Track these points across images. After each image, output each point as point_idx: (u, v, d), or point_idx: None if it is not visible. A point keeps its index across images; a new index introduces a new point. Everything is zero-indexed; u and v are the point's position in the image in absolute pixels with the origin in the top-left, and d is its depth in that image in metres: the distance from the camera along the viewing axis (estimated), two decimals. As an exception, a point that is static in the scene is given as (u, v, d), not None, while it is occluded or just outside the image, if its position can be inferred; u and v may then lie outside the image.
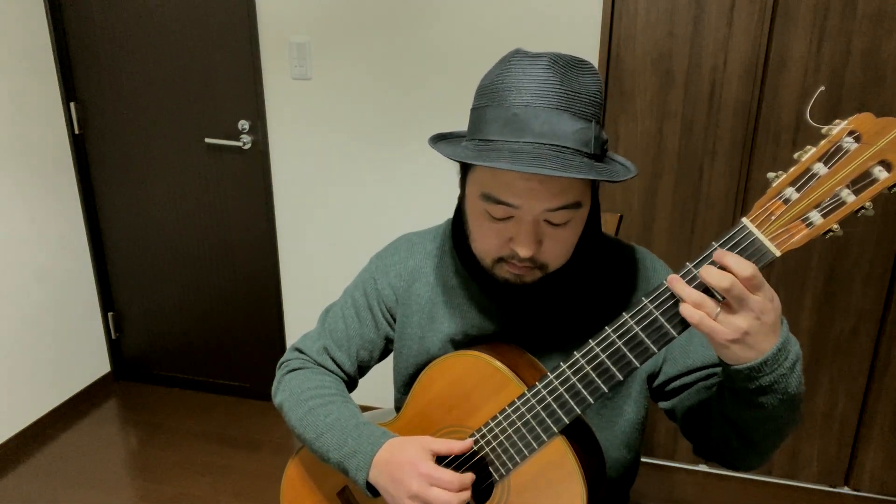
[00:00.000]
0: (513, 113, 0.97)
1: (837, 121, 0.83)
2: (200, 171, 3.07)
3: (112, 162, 3.17)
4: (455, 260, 1.24)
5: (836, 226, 0.83)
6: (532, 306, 1.18)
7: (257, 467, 2.89)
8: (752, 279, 0.85)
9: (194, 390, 3.48)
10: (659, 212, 2.55)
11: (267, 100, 2.88)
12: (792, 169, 0.85)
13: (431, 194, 2.81)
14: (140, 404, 3.36)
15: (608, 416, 1.20)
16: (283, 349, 3.28)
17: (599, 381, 0.99)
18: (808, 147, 0.84)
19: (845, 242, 2.43)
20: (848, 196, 0.82)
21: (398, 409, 1.37)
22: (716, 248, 0.89)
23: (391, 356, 1.39)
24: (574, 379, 1.00)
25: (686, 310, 0.89)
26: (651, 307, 0.94)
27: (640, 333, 0.95)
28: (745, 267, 0.85)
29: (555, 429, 1.03)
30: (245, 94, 2.90)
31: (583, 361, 1.00)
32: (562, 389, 1.02)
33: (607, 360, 0.98)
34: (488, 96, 1.01)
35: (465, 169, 1.09)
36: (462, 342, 1.23)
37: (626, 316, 0.96)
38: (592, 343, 0.99)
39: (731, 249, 0.88)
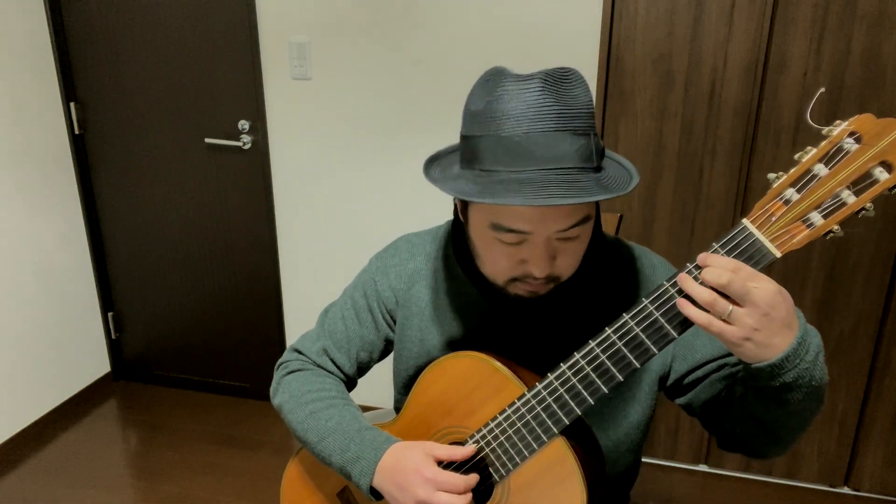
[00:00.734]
0: (514, 142, 0.96)
1: (838, 122, 0.82)
2: (200, 171, 3.07)
3: (112, 162, 3.17)
4: (455, 263, 1.24)
5: (836, 227, 0.83)
6: (532, 309, 1.18)
7: (257, 467, 2.89)
8: (740, 270, 0.85)
9: (194, 390, 3.48)
10: (659, 212, 2.55)
11: (267, 100, 2.88)
12: (792, 170, 0.85)
13: (431, 194, 2.81)
14: (140, 404, 3.36)
15: (610, 416, 1.20)
16: (283, 349, 3.28)
17: (599, 382, 0.99)
18: (809, 148, 0.84)
19: (845, 243, 2.43)
20: (849, 197, 0.82)
21: (398, 409, 1.37)
22: (715, 249, 0.89)
23: (391, 356, 1.39)
24: (574, 380, 1.00)
25: (691, 312, 0.88)
26: (651, 308, 0.93)
27: (641, 334, 0.94)
28: (728, 261, 0.86)
29: (555, 429, 1.03)
30: (245, 94, 2.90)
31: (583, 362, 0.99)
32: (562, 390, 1.02)
33: (607, 361, 0.98)
34: (482, 125, 0.99)
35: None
36: (462, 344, 1.23)
37: (626, 316, 0.95)
38: (592, 344, 0.99)
39: (731, 250, 0.88)
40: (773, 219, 0.86)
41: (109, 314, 3.44)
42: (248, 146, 2.96)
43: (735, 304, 0.86)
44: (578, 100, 0.97)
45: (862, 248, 2.42)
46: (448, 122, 2.69)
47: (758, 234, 0.87)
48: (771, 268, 2.51)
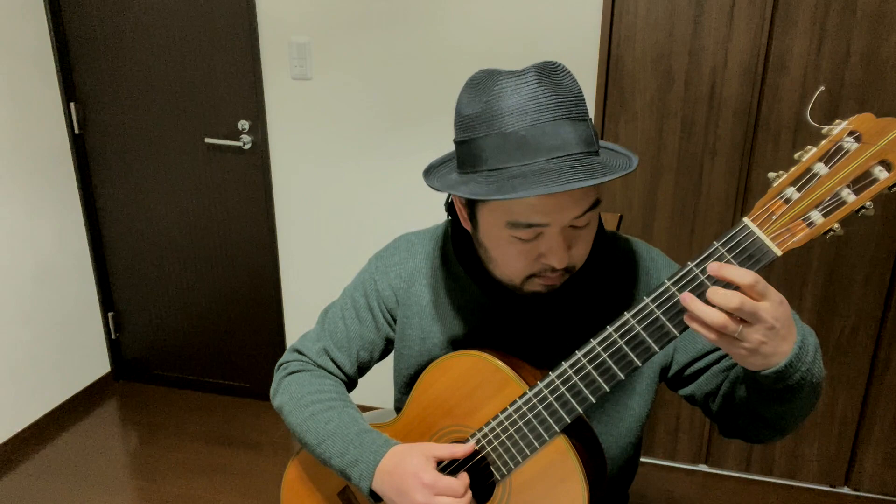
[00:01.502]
0: (520, 136, 0.97)
1: (838, 121, 0.83)
2: (200, 171, 3.07)
3: (112, 162, 3.17)
4: (455, 261, 1.24)
5: (836, 225, 0.84)
6: (533, 306, 1.18)
7: (257, 467, 2.89)
8: (755, 286, 0.84)
9: (194, 390, 3.48)
10: (659, 212, 2.55)
11: (267, 100, 2.88)
12: (793, 169, 0.85)
13: (431, 194, 2.81)
14: (140, 404, 3.36)
15: (611, 411, 1.21)
16: (283, 349, 3.28)
17: (601, 381, 0.99)
18: (809, 147, 0.84)
19: (845, 243, 2.43)
20: (848, 196, 0.82)
21: (398, 409, 1.37)
22: (716, 247, 0.89)
23: (391, 356, 1.39)
24: (576, 378, 1.01)
25: (701, 330, 0.88)
26: (652, 306, 0.93)
27: (642, 333, 0.95)
28: (745, 275, 0.84)
29: (556, 428, 1.04)
30: (245, 94, 2.90)
31: (584, 361, 1.00)
32: (563, 389, 1.02)
33: (609, 360, 0.98)
34: (481, 126, 0.99)
35: (474, 201, 1.07)
36: (463, 342, 1.23)
37: (627, 315, 0.96)
38: (594, 342, 0.99)
39: (732, 249, 0.88)
40: (774, 217, 0.86)
41: (109, 314, 3.44)
42: (248, 146, 2.96)
43: (743, 322, 0.86)
44: (571, 88, 0.99)
45: (862, 248, 2.42)
46: (448, 123, 2.69)
47: (758, 232, 0.87)
48: (771, 267, 2.51)
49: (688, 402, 1.24)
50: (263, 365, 3.34)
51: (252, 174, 3.01)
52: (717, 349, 1.16)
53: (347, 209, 2.95)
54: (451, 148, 1.17)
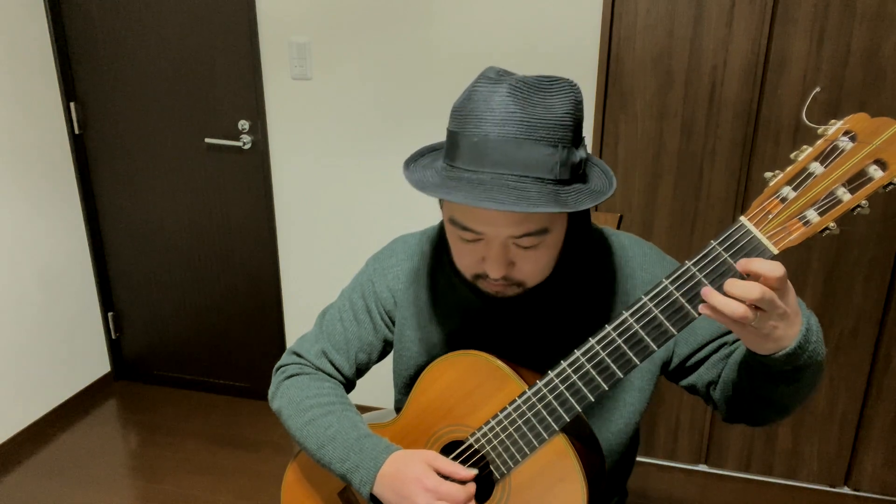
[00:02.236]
0: (473, 142, 0.97)
1: (833, 121, 0.83)
2: (200, 171, 3.07)
3: (112, 162, 3.17)
4: (451, 262, 1.24)
5: (832, 224, 0.84)
6: (527, 307, 1.18)
7: (257, 467, 2.90)
8: (785, 277, 0.85)
9: (194, 390, 3.48)
10: (659, 212, 2.55)
11: (267, 100, 2.88)
12: (789, 168, 0.86)
13: (431, 194, 2.81)
14: (140, 404, 3.37)
15: (609, 406, 1.21)
16: (282, 349, 3.28)
17: (600, 379, 0.99)
18: (805, 147, 0.85)
19: (845, 242, 2.43)
20: (844, 195, 0.83)
21: (398, 410, 1.37)
22: (713, 246, 0.89)
23: (390, 356, 1.39)
24: (575, 377, 1.01)
25: (727, 322, 0.88)
26: (651, 305, 0.94)
27: (641, 332, 0.95)
28: (776, 268, 0.84)
29: (555, 427, 1.04)
30: (245, 94, 2.90)
31: (583, 360, 1.00)
32: (562, 388, 1.02)
33: (607, 359, 0.98)
34: (457, 120, 1.00)
35: None
36: (461, 343, 1.23)
37: (626, 314, 0.96)
38: (592, 341, 0.99)
39: (729, 248, 0.88)
40: (770, 216, 0.86)
41: (109, 314, 3.44)
42: (248, 146, 2.96)
43: (759, 310, 0.87)
44: (552, 110, 0.96)
45: (862, 247, 2.42)
46: (447, 122, 2.69)
47: (755, 231, 0.87)
48: (771, 268, 2.50)
49: (688, 392, 1.24)
50: (263, 365, 3.34)
51: (252, 174, 3.02)
52: (717, 339, 1.17)
53: (347, 209, 2.95)
54: None
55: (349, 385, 1.38)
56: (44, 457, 2.95)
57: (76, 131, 3.14)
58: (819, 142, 0.84)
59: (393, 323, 1.33)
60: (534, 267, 1.07)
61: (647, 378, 1.21)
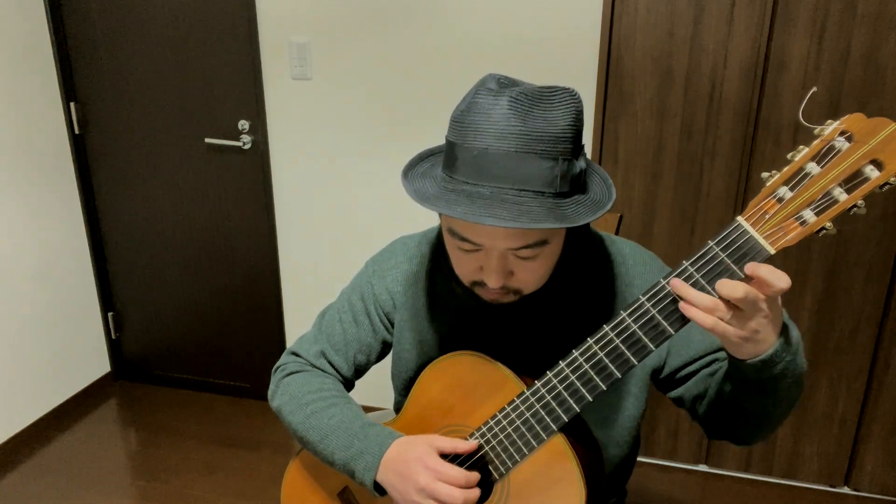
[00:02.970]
0: (473, 155, 0.96)
1: (829, 121, 0.84)
2: (200, 171, 3.07)
3: (112, 162, 3.17)
4: (449, 265, 1.24)
5: (829, 224, 0.84)
6: (525, 311, 1.18)
7: (257, 467, 2.90)
8: (786, 290, 0.86)
9: (194, 390, 3.48)
10: (659, 212, 2.55)
11: (267, 100, 2.88)
12: (785, 168, 0.86)
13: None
14: (140, 404, 3.37)
15: (607, 412, 1.21)
16: (282, 349, 3.28)
17: (598, 380, 1.00)
18: (801, 147, 0.85)
19: (845, 243, 2.43)
20: (840, 195, 0.83)
21: (398, 411, 1.37)
22: (710, 246, 0.90)
23: (388, 357, 1.40)
24: (573, 377, 1.01)
25: (697, 315, 0.89)
26: (648, 305, 0.94)
27: (638, 331, 0.95)
28: (782, 280, 0.85)
29: (554, 427, 1.04)
30: (245, 94, 2.90)
31: (581, 360, 1.00)
32: (560, 388, 1.02)
33: (605, 359, 0.98)
34: (457, 131, 0.99)
35: None
36: (460, 344, 1.23)
37: (623, 314, 0.96)
38: (590, 341, 0.99)
39: (726, 248, 0.89)
40: (767, 216, 0.87)
41: (109, 314, 3.44)
42: (248, 146, 2.96)
43: (738, 309, 0.88)
44: (553, 122, 0.95)
45: (862, 247, 2.42)
46: (447, 121, 2.69)
47: (752, 231, 0.87)
48: (770, 268, 2.50)
49: (675, 404, 1.24)
50: (263, 365, 3.35)
51: (252, 174, 3.02)
52: (709, 354, 1.17)
53: (347, 209, 2.95)
54: None
55: (348, 385, 1.38)
56: (44, 457, 2.95)
57: (76, 131, 3.14)
58: (815, 142, 0.84)
59: (392, 324, 1.33)
60: (532, 276, 1.08)
61: (640, 385, 1.22)
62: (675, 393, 1.22)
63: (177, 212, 3.17)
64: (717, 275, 0.89)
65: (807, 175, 0.84)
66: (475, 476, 1.09)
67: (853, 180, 0.82)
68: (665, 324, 0.94)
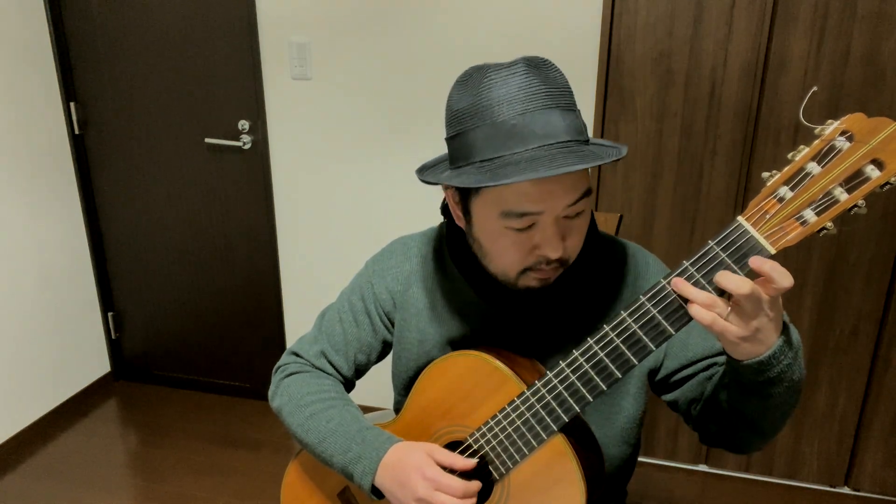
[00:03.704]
0: (511, 124, 0.97)
1: (830, 121, 0.83)
2: (200, 171, 3.07)
3: (112, 162, 3.17)
4: (450, 263, 1.24)
5: (829, 224, 0.84)
6: (528, 307, 1.18)
7: (257, 467, 2.90)
8: (789, 289, 0.86)
9: (194, 390, 3.48)
10: (659, 212, 2.55)
11: (267, 100, 2.88)
12: (786, 168, 0.86)
13: (431, 194, 2.81)
14: (140, 404, 3.37)
15: (606, 412, 1.21)
16: (282, 349, 3.28)
17: (598, 380, 0.99)
18: (802, 147, 0.85)
19: (845, 243, 2.43)
20: (841, 194, 0.83)
21: (398, 411, 1.37)
22: (710, 246, 0.90)
23: (388, 357, 1.40)
24: (573, 377, 1.01)
25: (698, 312, 0.89)
26: (649, 305, 0.94)
27: (639, 331, 0.95)
28: (786, 278, 0.85)
29: (554, 427, 1.04)
30: (245, 94, 2.90)
31: (582, 360, 1.00)
32: (561, 388, 1.02)
33: (606, 359, 0.98)
34: (471, 118, 1.00)
35: (468, 194, 1.07)
36: (461, 343, 1.24)
37: (624, 314, 0.96)
38: (591, 341, 0.99)
39: (727, 247, 0.89)
40: (768, 216, 0.86)
41: (109, 314, 3.44)
42: (248, 146, 2.96)
43: (740, 307, 0.88)
44: (559, 80, 1.01)
45: (862, 248, 2.42)
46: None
47: (752, 231, 0.87)
48: (770, 268, 2.50)
49: (670, 408, 1.24)
50: (263, 365, 3.35)
51: (252, 174, 3.02)
52: (707, 358, 1.17)
53: (347, 209, 2.95)
54: None
55: (348, 385, 1.38)
56: (44, 457, 2.95)
57: (76, 131, 3.14)
58: (816, 142, 0.84)
59: (392, 324, 1.33)
60: (579, 238, 1.08)
61: (638, 385, 1.22)
62: (670, 396, 1.22)
63: (177, 212, 3.17)
64: None
65: (807, 175, 0.84)
66: (475, 485, 1.09)
67: (854, 180, 0.82)
68: (665, 324, 0.94)
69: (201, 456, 2.96)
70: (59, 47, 3.02)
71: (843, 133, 0.82)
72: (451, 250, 1.22)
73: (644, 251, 1.25)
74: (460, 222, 1.14)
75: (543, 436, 1.05)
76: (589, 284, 1.18)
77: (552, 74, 1.00)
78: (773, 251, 0.87)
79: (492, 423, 1.10)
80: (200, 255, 3.22)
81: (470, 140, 1.01)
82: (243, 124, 2.94)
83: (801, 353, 0.98)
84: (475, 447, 1.12)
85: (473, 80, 1.01)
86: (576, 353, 1.01)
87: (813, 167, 0.84)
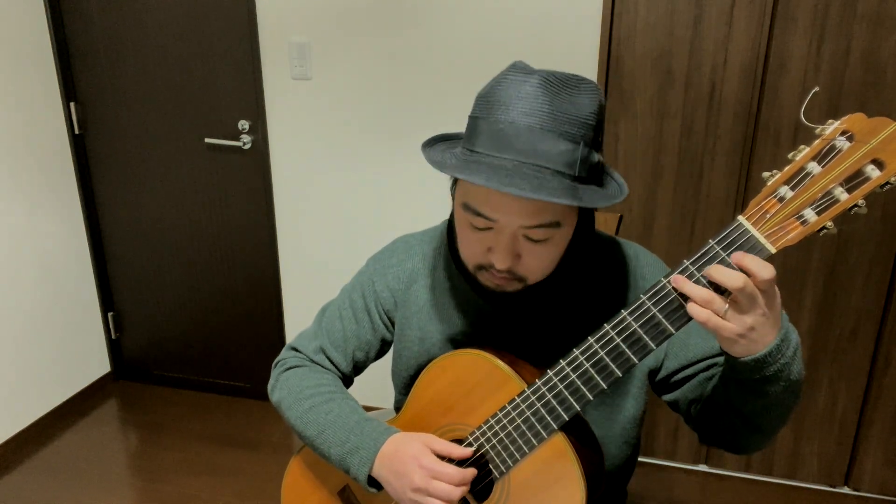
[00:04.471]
0: (499, 128, 0.97)
1: (830, 121, 0.84)
2: (200, 171, 3.07)
3: (112, 162, 3.17)
4: (451, 261, 1.24)
5: (830, 223, 0.84)
6: (527, 308, 1.18)
7: (257, 467, 2.90)
8: (772, 280, 0.86)
9: (194, 390, 3.48)
10: (659, 212, 2.55)
11: (267, 100, 2.88)
12: (786, 168, 0.86)
13: (431, 194, 2.81)
14: (140, 404, 3.37)
15: (606, 412, 1.21)
16: (282, 349, 3.28)
17: (599, 378, 0.99)
18: (803, 146, 0.85)
19: (845, 243, 2.43)
20: (841, 194, 0.83)
21: (398, 410, 1.37)
22: (711, 245, 0.90)
23: (388, 355, 1.40)
24: (574, 376, 1.01)
25: (694, 309, 0.90)
26: (649, 304, 0.94)
27: (639, 330, 0.95)
28: (766, 269, 0.86)
29: (554, 426, 1.04)
30: (245, 94, 2.90)
31: (582, 359, 1.00)
32: (561, 387, 1.02)
33: (606, 357, 0.98)
34: (482, 107, 1.01)
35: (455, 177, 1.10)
36: (461, 342, 1.24)
37: (624, 313, 0.96)
38: (591, 340, 0.99)
39: (727, 247, 0.89)
40: (768, 216, 0.87)
41: (109, 314, 3.44)
42: (248, 146, 2.96)
43: (736, 303, 0.88)
44: (579, 107, 0.97)
45: (862, 248, 2.42)
46: (448, 122, 2.70)
47: (753, 230, 0.88)
48: (770, 268, 2.50)
49: (670, 408, 1.24)
50: (263, 365, 3.35)
51: (252, 174, 3.02)
52: (708, 358, 1.17)
53: (347, 209, 2.95)
54: None
55: (346, 382, 1.38)
56: (44, 457, 2.95)
57: (76, 131, 3.14)
58: (816, 142, 0.84)
59: (392, 323, 1.33)
60: (538, 263, 1.07)
61: (638, 386, 1.22)
62: (670, 396, 1.22)
63: (177, 212, 3.17)
64: None
65: (808, 174, 0.84)
66: (471, 472, 1.10)
67: (854, 180, 0.82)
68: (666, 322, 0.94)
69: (201, 456, 2.96)
70: (59, 47, 3.02)
71: (843, 133, 0.82)
72: (453, 248, 1.23)
73: (646, 252, 1.25)
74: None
75: (544, 434, 1.05)
76: (590, 286, 1.18)
77: (575, 99, 0.97)
78: (773, 250, 0.87)
79: (492, 421, 1.10)
80: (200, 255, 3.22)
81: (474, 126, 1.02)
82: (243, 124, 2.94)
83: (799, 352, 0.97)
84: (475, 445, 1.12)
85: (503, 73, 1.01)
86: (576, 352, 1.01)
87: (813, 167, 0.84)
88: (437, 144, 1.12)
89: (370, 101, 2.77)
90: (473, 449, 1.12)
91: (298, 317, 3.22)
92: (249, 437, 3.11)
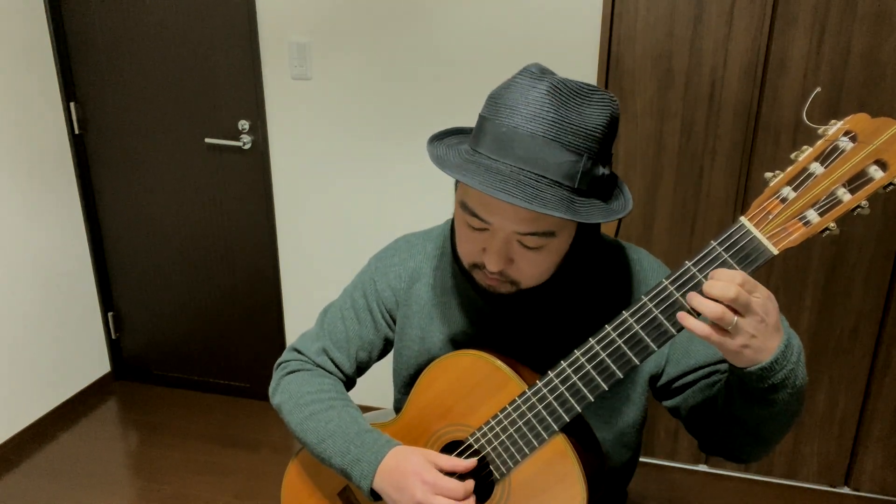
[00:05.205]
0: (501, 132, 0.97)
1: (833, 121, 0.83)
2: (200, 171, 3.07)
3: (112, 162, 3.17)
4: (454, 261, 1.24)
5: (832, 224, 0.84)
6: (527, 310, 1.18)
7: (257, 467, 2.89)
8: (745, 284, 0.86)
9: (194, 390, 3.48)
10: (659, 212, 2.55)
11: (267, 100, 2.88)
12: (789, 168, 0.86)
13: (432, 194, 2.81)
14: (140, 404, 3.37)
15: (606, 416, 1.21)
16: (283, 349, 3.28)
17: (600, 379, 0.99)
18: (805, 147, 0.85)
19: (845, 243, 2.43)
20: (844, 195, 0.83)
21: (398, 410, 1.37)
22: (713, 247, 0.90)
23: (390, 355, 1.40)
24: (575, 377, 1.01)
25: (691, 322, 0.89)
26: (650, 305, 0.94)
27: (640, 332, 0.95)
28: (734, 275, 0.86)
29: (555, 427, 1.04)
30: (245, 94, 2.90)
31: (583, 360, 1.00)
32: (562, 388, 1.02)
33: (608, 359, 0.98)
34: (490, 107, 1.01)
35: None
36: (463, 342, 1.24)
37: (625, 314, 0.96)
38: (592, 341, 0.99)
39: (729, 248, 0.89)
40: (771, 217, 0.86)
41: (109, 314, 3.44)
42: (248, 146, 2.96)
43: (737, 314, 0.88)
44: (586, 118, 0.96)
45: (862, 248, 2.42)
46: (448, 122, 2.69)
47: (755, 231, 0.87)
48: (771, 268, 2.51)
49: (671, 414, 1.24)
50: (263, 365, 3.34)
51: (252, 174, 3.02)
52: (708, 365, 1.16)
53: (347, 209, 2.95)
54: None
55: (349, 383, 1.38)
56: (44, 457, 2.94)
57: (76, 131, 3.14)
58: (819, 142, 0.84)
59: (394, 322, 1.33)
60: (532, 269, 1.07)
61: (639, 391, 1.22)
62: (671, 402, 1.22)
63: (177, 212, 3.17)
64: None
65: (810, 175, 0.84)
66: (470, 484, 1.10)
67: (857, 180, 0.82)
68: (667, 324, 0.94)
69: (201, 456, 2.96)
70: (59, 47, 3.01)
71: (846, 133, 0.82)
72: (455, 249, 1.22)
73: (649, 256, 1.25)
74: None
75: (544, 435, 1.05)
76: (592, 289, 1.18)
77: (583, 110, 0.96)
78: (775, 252, 0.87)
79: (493, 422, 1.10)
80: (200, 255, 3.22)
81: (481, 126, 1.02)
82: (243, 124, 2.94)
83: (802, 357, 0.97)
84: (476, 447, 1.12)
85: (515, 75, 1.01)
86: (577, 353, 1.01)
87: (816, 167, 0.84)
88: (446, 138, 1.12)
89: (370, 101, 2.77)
90: (476, 459, 1.12)
91: (298, 317, 3.22)
92: (249, 437, 3.10)
